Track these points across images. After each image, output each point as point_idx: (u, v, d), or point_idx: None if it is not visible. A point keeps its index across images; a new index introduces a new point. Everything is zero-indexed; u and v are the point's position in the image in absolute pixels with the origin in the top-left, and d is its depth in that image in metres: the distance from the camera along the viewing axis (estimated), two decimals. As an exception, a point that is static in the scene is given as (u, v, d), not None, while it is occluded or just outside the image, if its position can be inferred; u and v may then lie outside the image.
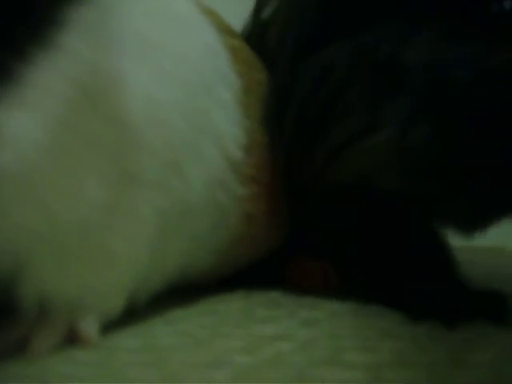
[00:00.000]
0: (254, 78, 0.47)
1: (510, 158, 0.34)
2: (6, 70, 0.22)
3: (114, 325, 0.31)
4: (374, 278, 0.40)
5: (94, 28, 0.26)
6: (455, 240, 0.43)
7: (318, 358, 0.29)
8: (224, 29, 0.46)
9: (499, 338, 0.33)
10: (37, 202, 0.24)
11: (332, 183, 0.39)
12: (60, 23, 0.24)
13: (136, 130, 0.29)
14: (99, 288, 0.30)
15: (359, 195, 0.38)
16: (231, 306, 0.41)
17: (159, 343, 0.30)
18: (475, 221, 0.40)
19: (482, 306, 0.36)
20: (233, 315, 0.38)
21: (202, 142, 0.37)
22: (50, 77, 0.24)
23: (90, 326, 0.29)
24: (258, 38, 0.49)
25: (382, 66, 0.38)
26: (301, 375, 0.26)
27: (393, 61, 0.37)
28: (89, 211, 0.27)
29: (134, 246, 0.31)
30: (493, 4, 0.37)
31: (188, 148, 0.35)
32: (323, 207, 0.41)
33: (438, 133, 0.35)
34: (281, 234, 0.46)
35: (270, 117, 0.43)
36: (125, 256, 0.30)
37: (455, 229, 0.41)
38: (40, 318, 0.27)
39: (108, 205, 0.28)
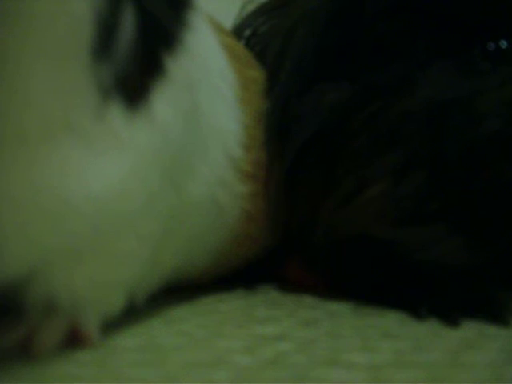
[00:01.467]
0: (249, 75, 0.47)
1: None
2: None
3: (114, 324, 0.31)
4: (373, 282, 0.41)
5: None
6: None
7: (318, 358, 0.29)
8: (217, 26, 0.47)
9: (499, 338, 0.34)
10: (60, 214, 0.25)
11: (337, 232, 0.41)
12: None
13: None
14: (102, 286, 0.30)
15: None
16: (231, 305, 0.41)
17: (159, 343, 0.31)
18: None
19: (482, 304, 0.37)
20: (233, 315, 0.39)
21: (207, 141, 0.37)
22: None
23: (91, 326, 0.29)
24: (260, 46, 0.50)
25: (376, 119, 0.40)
26: (301, 375, 0.26)
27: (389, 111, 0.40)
28: None
29: (140, 243, 0.32)
30: (489, 43, 0.40)
31: (198, 145, 0.36)
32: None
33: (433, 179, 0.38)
34: (278, 232, 0.46)
35: (269, 142, 0.44)
36: (129, 253, 0.31)
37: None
38: (43, 317, 0.28)
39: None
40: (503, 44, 0.40)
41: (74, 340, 0.29)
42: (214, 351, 0.30)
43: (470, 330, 0.35)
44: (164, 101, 0.28)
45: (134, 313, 0.32)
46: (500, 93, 0.38)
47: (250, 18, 0.55)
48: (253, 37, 0.52)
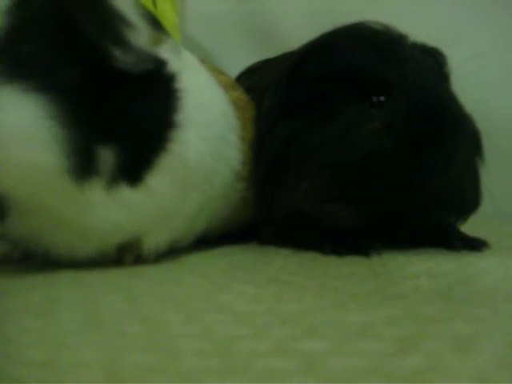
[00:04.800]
0: (247, 116, 0.82)
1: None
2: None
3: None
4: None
5: None
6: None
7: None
8: (226, 83, 0.82)
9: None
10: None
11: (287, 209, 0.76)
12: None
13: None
14: (160, 235, 0.65)
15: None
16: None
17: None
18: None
19: (361, 247, 0.71)
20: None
21: (220, 165, 0.73)
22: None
23: (150, 251, 0.65)
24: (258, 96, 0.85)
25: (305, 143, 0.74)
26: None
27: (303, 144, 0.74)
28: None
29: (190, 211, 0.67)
30: (373, 96, 0.72)
31: (215, 169, 0.72)
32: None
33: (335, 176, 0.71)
34: (258, 209, 0.82)
35: (254, 158, 0.80)
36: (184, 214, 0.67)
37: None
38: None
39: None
40: (381, 98, 0.73)
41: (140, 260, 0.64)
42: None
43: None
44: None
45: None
46: (370, 126, 0.71)
47: (246, 73, 0.92)
48: (250, 88, 0.88)
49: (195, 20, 1.30)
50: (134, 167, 0.58)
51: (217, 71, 0.84)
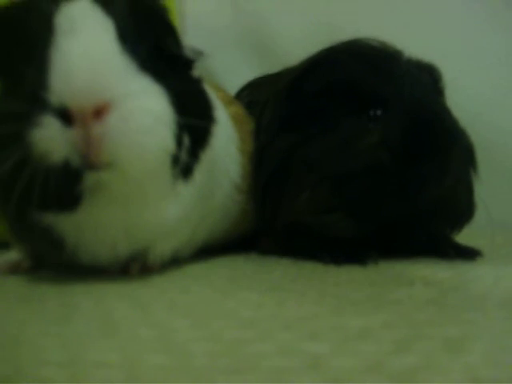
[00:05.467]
0: (246, 129, 0.86)
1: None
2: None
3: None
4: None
5: None
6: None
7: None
8: (225, 99, 0.85)
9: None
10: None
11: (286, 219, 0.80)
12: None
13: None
14: (164, 247, 0.68)
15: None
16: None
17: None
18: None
19: (359, 257, 0.74)
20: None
21: (221, 177, 0.76)
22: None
23: (155, 263, 0.67)
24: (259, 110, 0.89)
25: (305, 155, 0.77)
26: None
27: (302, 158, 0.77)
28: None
29: (190, 222, 0.69)
30: (370, 111, 0.75)
31: (216, 181, 0.74)
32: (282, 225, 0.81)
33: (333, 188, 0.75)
34: (257, 220, 0.85)
35: (253, 171, 0.83)
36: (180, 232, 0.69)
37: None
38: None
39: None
40: (378, 112, 0.76)
41: (145, 270, 0.66)
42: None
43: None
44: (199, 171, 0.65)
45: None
46: (368, 140, 0.74)
47: (246, 89, 0.96)
48: (251, 103, 0.92)
49: (194, 35, 1.33)
50: (192, 158, 0.61)
51: (215, 87, 0.87)
